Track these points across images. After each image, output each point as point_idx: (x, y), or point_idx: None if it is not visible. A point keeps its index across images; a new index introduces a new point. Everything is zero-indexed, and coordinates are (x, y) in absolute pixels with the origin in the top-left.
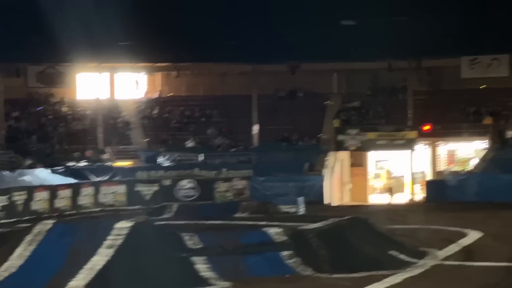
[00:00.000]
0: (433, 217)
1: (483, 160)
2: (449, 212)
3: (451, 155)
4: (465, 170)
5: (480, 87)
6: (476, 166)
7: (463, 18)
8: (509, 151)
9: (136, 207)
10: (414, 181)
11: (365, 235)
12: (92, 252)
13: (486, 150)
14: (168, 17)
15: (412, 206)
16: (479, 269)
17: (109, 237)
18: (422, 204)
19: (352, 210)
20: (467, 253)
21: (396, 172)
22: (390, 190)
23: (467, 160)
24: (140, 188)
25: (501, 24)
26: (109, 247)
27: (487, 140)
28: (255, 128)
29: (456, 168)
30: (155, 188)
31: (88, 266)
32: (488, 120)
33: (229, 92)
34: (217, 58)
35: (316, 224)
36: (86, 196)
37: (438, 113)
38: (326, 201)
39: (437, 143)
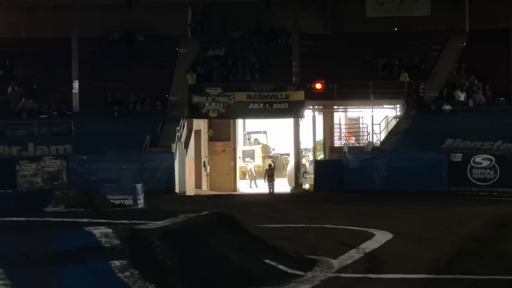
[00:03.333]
0: (326, 212)
1: (394, 132)
2: (347, 205)
3: (352, 125)
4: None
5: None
6: (385, 141)
7: None
8: (430, 120)
9: None
10: (301, 161)
11: (230, 238)
12: None
13: (399, 118)
14: None
15: (297, 197)
16: (386, 283)
17: None
18: (311, 194)
19: (213, 202)
20: (372, 261)
21: (276, 149)
22: (267, 174)
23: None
24: None
25: None
26: None
27: (400, 105)
28: (76, 86)
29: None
30: None
31: None
32: (404, 77)
33: (38, 34)
34: None
35: (162, 222)
36: None
37: (334, 66)
38: (176, 189)
39: (333, 108)
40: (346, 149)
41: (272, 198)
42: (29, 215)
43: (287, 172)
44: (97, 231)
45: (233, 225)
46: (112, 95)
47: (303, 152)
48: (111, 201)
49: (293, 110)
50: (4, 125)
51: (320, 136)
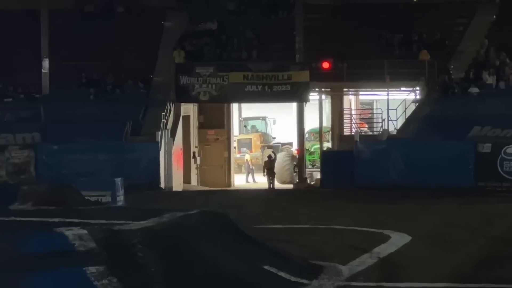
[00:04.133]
0: (334, 211)
1: (413, 118)
2: (358, 203)
3: (364, 111)
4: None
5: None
6: (403, 129)
7: None
8: (454, 105)
9: None
10: (305, 152)
11: (224, 241)
12: None
13: (419, 103)
14: None
15: (301, 193)
16: None
17: None
18: (317, 189)
19: (204, 199)
20: (387, 268)
21: (277, 138)
22: (267, 166)
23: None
24: None
25: None
26: None
27: (420, 88)
28: (46, 65)
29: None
30: None
31: None
32: (424, 55)
33: (3, 5)
34: None
35: (144, 222)
36: None
37: (344, 42)
38: (162, 184)
39: (342, 90)
40: (357, 138)
41: (272, 194)
42: None
43: (276, 165)
44: (70, 233)
45: (227, 226)
46: (87, 76)
47: (307, 142)
48: (86, 197)
49: (297, 93)
50: None
51: (326, 122)
